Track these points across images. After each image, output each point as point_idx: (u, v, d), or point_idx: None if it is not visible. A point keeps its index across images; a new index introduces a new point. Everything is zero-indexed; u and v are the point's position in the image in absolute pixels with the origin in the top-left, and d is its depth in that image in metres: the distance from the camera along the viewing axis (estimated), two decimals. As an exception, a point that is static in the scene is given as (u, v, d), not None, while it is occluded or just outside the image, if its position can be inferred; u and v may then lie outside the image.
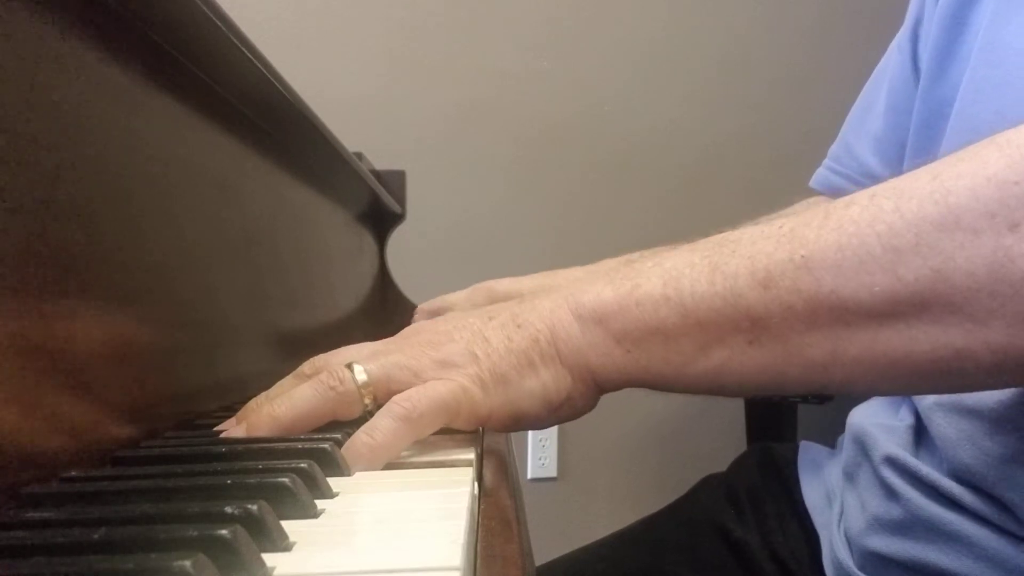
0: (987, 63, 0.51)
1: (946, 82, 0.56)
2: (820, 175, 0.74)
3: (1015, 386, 0.44)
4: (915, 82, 0.61)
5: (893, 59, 0.67)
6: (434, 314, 0.69)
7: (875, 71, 0.71)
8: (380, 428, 0.39)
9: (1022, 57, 0.49)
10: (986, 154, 0.35)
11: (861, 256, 0.35)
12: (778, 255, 0.37)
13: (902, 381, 0.37)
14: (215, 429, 0.43)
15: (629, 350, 0.40)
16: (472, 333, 0.42)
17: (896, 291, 0.35)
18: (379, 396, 0.41)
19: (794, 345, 0.37)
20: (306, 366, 0.45)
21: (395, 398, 0.40)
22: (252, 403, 0.44)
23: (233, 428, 0.42)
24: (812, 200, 0.75)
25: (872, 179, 0.68)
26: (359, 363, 0.41)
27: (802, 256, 0.36)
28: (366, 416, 0.43)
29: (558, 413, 0.43)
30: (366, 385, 0.41)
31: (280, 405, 0.41)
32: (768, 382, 0.39)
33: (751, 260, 0.38)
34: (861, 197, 0.37)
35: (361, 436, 0.39)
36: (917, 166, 0.38)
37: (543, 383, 0.41)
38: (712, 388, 0.40)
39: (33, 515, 0.27)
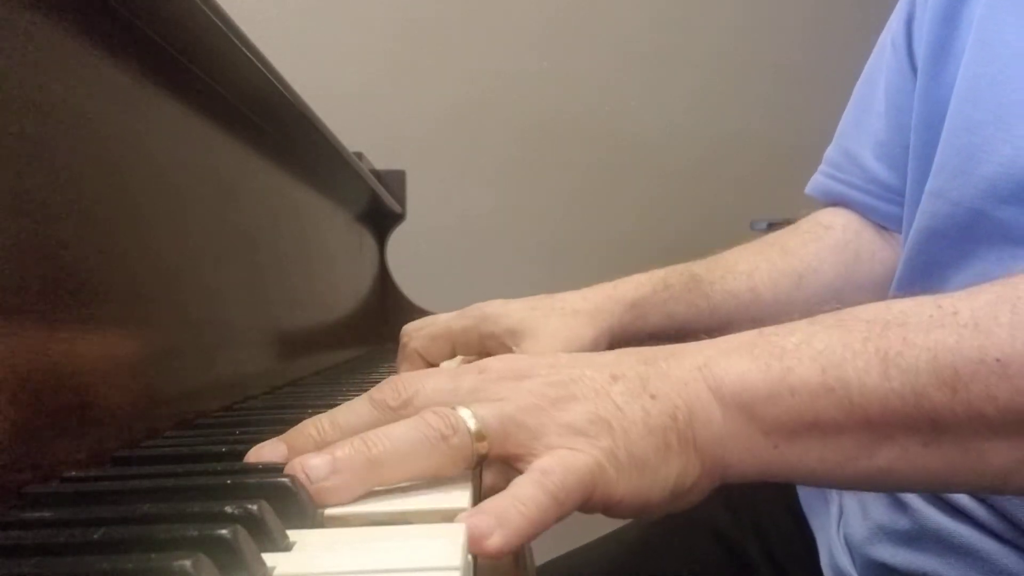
0: (981, 61, 0.50)
1: (943, 80, 0.54)
2: (819, 183, 0.71)
3: None
4: (913, 80, 0.59)
5: (887, 57, 0.64)
6: (428, 336, 0.62)
7: (866, 70, 0.69)
8: (533, 499, 0.31)
9: (1017, 55, 0.48)
10: None
11: None
12: (965, 352, 0.33)
13: None
14: (250, 458, 0.35)
15: (777, 444, 0.35)
16: (597, 393, 0.35)
17: None
18: (491, 455, 0.33)
19: (975, 451, 0.34)
20: (388, 395, 0.36)
21: (539, 467, 0.32)
22: (310, 430, 0.35)
23: (280, 458, 0.33)
24: (817, 215, 0.71)
25: (877, 184, 0.66)
26: (467, 407, 0.34)
27: (996, 360, 0.33)
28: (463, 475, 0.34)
29: (676, 504, 0.36)
30: (480, 438, 0.33)
31: (376, 445, 0.32)
32: (937, 484, 0.35)
33: (931, 354, 0.33)
34: None
35: (517, 505, 0.31)
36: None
37: (678, 471, 0.35)
38: (868, 487, 0.36)
39: (33, 515, 0.27)
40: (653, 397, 0.35)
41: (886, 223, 0.67)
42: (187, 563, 0.21)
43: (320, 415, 0.35)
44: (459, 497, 0.32)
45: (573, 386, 0.35)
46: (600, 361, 0.37)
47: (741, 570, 0.64)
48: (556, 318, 0.60)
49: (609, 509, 0.35)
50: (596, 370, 0.36)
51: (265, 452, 0.35)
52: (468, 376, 0.36)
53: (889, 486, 0.36)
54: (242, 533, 0.24)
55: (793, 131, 1.99)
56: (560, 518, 0.32)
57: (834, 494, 0.61)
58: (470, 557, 0.28)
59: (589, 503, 0.33)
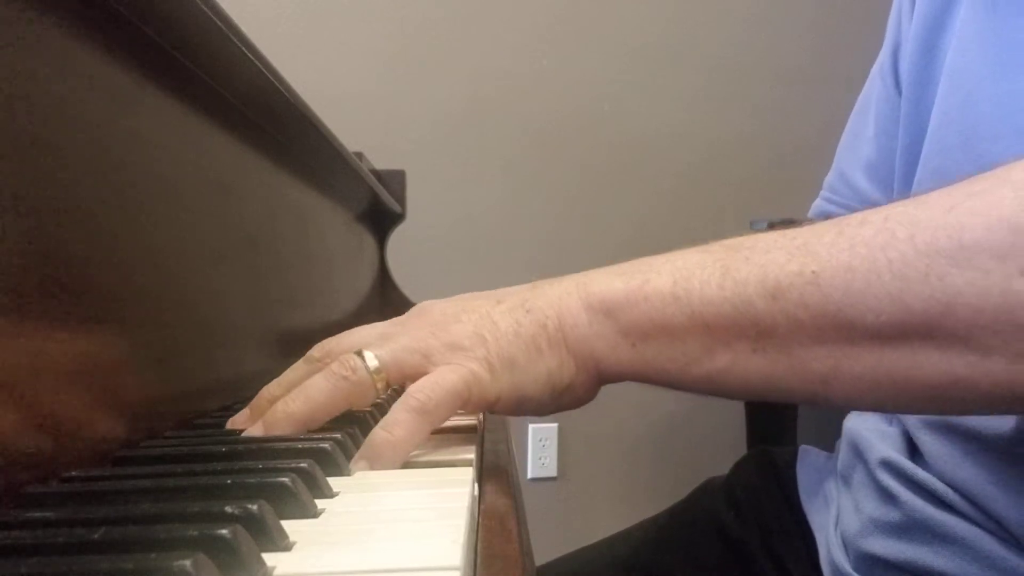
0: (951, 89, 0.52)
1: (923, 106, 0.57)
2: (817, 206, 0.74)
3: (1009, 414, 0.45)
4: (899, 106, 0.62)
5: (876, 86, 0.67)
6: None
7: (859, 99, 0.72)
8: (398, 423, 0.39)
9: (984, 81, 0.50)
10: (1001, 193, 0.35)
11: (870, 280, 0.36)
12: (789, 267, 0.38)
13: (901, 401, 0.38)
14: (228, 426, 0.43)
15: (635, 344, 0.41)
16: (480, 316, 0.43)
17: (903, 319, 0.35)
18: (391, 381, 0.42)
19: (797, 357, 0.38)
20: (315, 350, 0.45)
21: (409, 390, 0.40)
22: (264, 393, 0.44)
23: (247, 425, 0.42)
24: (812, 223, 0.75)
25: (867, 203, 0.68)
26: (369, 349, 0.42)
27: (812, 272, 0.37)
28: (383, 404, 0.44)
29: (560, 400, 0.43)
30: (378, 372, 0.41)
31: (294, 401, 0.41)
32: (770, 389, 0.40)
33: (762, 269, 0.38)
34: (874, 217, 0.37)
35: (380, 433, 0.39)
36: (927, 191, 0.38)
37: (548, 368, 0.42)
38: (713, 390, 0.41)
39: (33, 515, 0.27)
40: (528, 312, 0.42)
41: None
42: (187, 563, 0.21)
43: (273, 381, 0.44)
44: (457, 497, 0.32)
45: (462, 314, 0.43)
46: (495, 292, 0.45)
47: (744, 567, 0.65)
48: None
49: (492, 406, 0.42)
50: (486, 299, 0.44)
51: (237, 420, 0.44)
52: (379, 326, 0.45)
53: (732, 388, 0.40)
54: (242, 533, 0.24)
55: (793, 132, 1.99)
56: (435, 424, 0.40)
57: (833, 495, 0.62)
58: (471, 556, 0.28)
59: (470, 404, 0.41)
